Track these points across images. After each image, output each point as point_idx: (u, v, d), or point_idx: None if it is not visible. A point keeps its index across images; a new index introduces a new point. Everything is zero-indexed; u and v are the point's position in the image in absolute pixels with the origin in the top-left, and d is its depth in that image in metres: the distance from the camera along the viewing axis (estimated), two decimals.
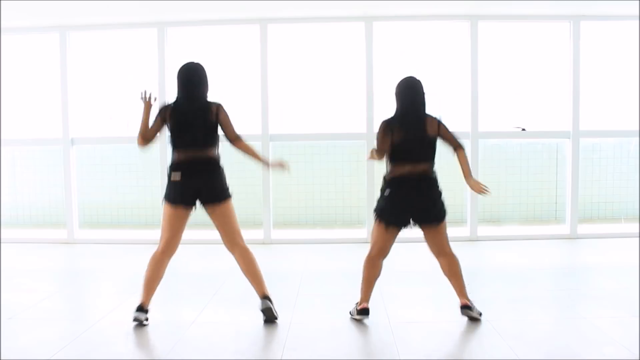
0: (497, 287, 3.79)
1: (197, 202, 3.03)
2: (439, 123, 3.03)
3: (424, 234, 3.05)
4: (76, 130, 5.62)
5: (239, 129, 3.08)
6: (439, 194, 3.03)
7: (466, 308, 3.01)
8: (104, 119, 5.83)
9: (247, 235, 5.57)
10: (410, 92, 3.03)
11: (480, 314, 3.01)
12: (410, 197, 2.96)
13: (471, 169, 3.07)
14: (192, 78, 3.04)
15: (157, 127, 3.05)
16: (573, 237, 5.48)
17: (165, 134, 3.07)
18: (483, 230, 5.54)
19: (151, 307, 3.08)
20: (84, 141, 5.65)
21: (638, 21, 5.24)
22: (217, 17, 5.33)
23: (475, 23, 5.33)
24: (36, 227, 5.99)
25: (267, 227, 5.51)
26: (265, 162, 3.19)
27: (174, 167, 3.00)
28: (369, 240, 5.36)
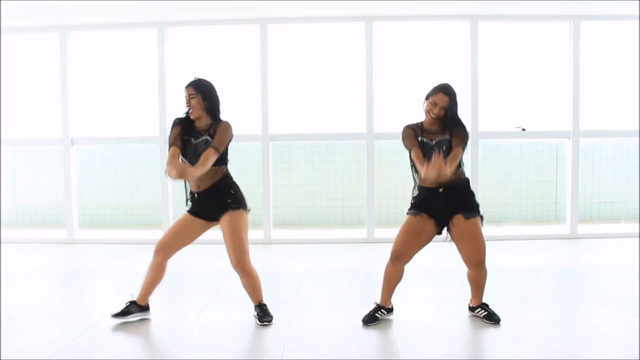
0: (497, 287, 3.79)
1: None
2: (457, 127, 2.97)
3: (453, 234, 2.98)
4: (76, 130, 5.62)
5: (220, 143, 2.92)
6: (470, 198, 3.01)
7: (472, 309, 3.11)
8: (103, 119, 5.82)
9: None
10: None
11: (491, 318, 3.01)
12: (435, 202, 2.96)
13: (451, 161, 2.84)
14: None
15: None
16: (573, 237, 5.48)
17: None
18: (483, 230, 5.52)
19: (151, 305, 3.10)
20: (84, 141, 5.65)
21: (638, 21, 5.24)
22: (217, 17, 5.33)
23: (475, 23, 5.32)
24: (36, 227, 5.99)
25: (267, 227, 5.51)
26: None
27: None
28: (369, 240, 5.42)
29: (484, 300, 3.11)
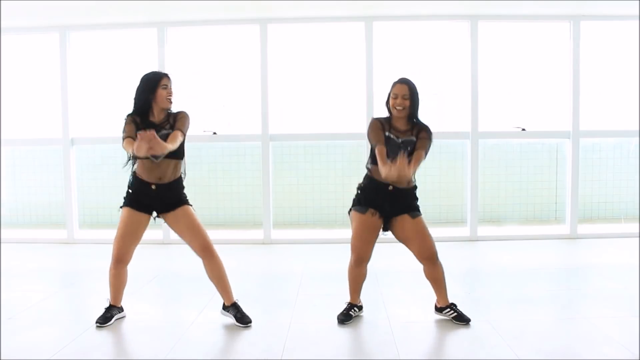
0: (497, 287, 3.79)
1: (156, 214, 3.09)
2: (423, 130, 2.96)
3: (399, 233, 3.01)
4: (76, 130, 5.62)
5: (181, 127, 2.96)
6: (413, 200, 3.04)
7: (440, 310, 3.12)
8: (103, 119, 5.82)
9: (247, 235, 5.63)
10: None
11: (460, 319, 3.02)
12: (381, 199, 2.98)
13: (414, 163, 2.86)
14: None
15: None
16: (573, 237, 5.49)
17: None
18: (483, 230, 5.54)
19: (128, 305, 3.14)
20: (84, 141, 5.66)
21: (638, 21, 5.24)
22: (217, 17, 5.33)
23: (475, 23, 5.33)
24: (36, 227, 5.99)
25: (267, 227, 5.51)
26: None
27: None
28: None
29: (453, 301, 3.13)
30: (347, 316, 3.09)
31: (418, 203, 3.05)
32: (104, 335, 2.92)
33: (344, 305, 3.16)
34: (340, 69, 5.66)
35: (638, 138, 5.58)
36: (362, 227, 3.01)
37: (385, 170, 2.72)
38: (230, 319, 3.09)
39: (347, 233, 5.58)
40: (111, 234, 5.87)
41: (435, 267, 3.04)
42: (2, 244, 5.29)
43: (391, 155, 2.87)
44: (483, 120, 5.43)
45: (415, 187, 3.05)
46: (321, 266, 4.52)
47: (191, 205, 3.07)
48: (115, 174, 5.88)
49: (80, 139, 5.63)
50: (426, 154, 2.94)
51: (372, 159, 2.99)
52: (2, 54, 5.54)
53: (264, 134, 5.45)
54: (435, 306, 3.16)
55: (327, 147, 5.82)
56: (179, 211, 3.01)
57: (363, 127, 5.43)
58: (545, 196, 5.85)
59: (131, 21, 5.38)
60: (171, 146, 2.81)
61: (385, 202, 2.97)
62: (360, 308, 3.19)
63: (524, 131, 5.55)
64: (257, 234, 5.54)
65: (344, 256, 4.87)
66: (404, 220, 2.98)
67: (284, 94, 5.67)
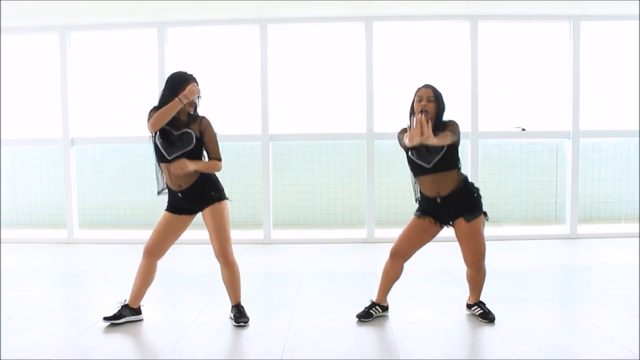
0: (497, 287, 3.79)
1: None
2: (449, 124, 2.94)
3: (456, 234, 3.04)
4: (76, 130, 5.63)
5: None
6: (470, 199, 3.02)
7: (469, 307, 3.15)
8: (103, 119, 5.82)
9: (247, 235, 5.62)
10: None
11: (486, 316, 3.04)
12: (433, 209, 3.02)
13: (439, 137, 2.80)
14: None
15: None
16: (573, 237, 5.48)
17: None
18: (485, 229, 5.53)
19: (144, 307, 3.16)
20: (84, 141, 5.65)
21: (638, 21, 5.24)
22: (217, 17, 5.33)
23: (475, 23, 5.32)
24: (36, 227, 5.99)
25: (267, 227, 5.51)
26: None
27: None
28: (369, 240, 5.43)
29: (482, 299, 3.13)
30: (367, 314, 3.08)
31: (476, 197, 3.01)
32: (104, 336, 2.91)
33: (368, 302, 3.16)
34: (340, 69, 5.66)
35: (638, 138, 5.58)
36: (412, 226, 3.06)
37: (408, 139, 2.73)
38: (226, 320, 3.10)
39: (347, 233, 5.63)
40: (111, 234, 5.93)
41: (478, 273, 3.06)
42: (2, 244, 5.29)
43: (420, 165, 2.93)
44: (483, 120, 5.43)
45: (465, 182, 3.00)
46: (321, 266, 4.52)
47: (226, 199, 3.05)
48: (115, 174, 5.89)
49: (80, 139, 5.63)
50: (455, 135, 2.88)
51: (414, 171, 3.01)
52: (2, 54, 5.54)
53: (264, 134, 5.45)
54: (467, 303, 3.20)
55: (327, 147, 5.82)
56: (208, 210, 3.01)
57: (363, 127, 5.44)
58: (545, 196, 5.85)
59: (131, 21, 5.38)
60: (198, 168, 2.94)
61: (440, 211, 3.00)
62: (384, 308, 3.16)
63: (524, 131, 5.55)
64: (257, 234, 5.54)
65: (344, 256, 4.89)
66: (460, 223, 2.99)
67: (284, 93, 5.67)
